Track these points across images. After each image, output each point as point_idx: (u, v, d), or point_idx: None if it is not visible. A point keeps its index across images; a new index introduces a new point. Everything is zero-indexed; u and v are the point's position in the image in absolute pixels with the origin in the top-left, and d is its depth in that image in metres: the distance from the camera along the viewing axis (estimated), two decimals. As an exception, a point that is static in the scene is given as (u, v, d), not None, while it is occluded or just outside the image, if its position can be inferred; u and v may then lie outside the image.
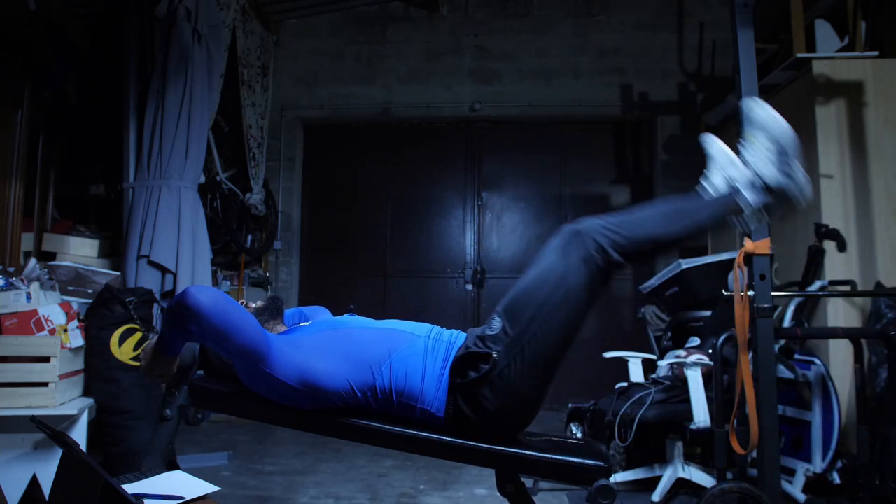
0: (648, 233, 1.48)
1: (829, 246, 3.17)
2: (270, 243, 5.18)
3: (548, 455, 1.44)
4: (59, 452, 1.65)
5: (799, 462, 2.76)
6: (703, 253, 4.36)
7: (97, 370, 2.78)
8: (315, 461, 3.39)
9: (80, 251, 3.61)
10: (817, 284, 3.10)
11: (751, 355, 2.18)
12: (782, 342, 2.85)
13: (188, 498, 1.34)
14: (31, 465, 2.38)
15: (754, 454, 2.19)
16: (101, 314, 2.82)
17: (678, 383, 2.87)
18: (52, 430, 1.35)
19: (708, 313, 3.31)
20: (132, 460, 2.68)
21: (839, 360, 2.99)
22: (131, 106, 3.60)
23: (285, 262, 5.31)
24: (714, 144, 1.67)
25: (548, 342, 1.43)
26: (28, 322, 2.54)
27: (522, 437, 1.55)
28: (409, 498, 2.80)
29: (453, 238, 5.40)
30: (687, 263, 3.44)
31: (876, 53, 3.31)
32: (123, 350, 2.77)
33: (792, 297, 3.15)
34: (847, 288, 3.08)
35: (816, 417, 2.74)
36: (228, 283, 4.83)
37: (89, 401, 2.71)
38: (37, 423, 1.40)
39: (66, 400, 2.57)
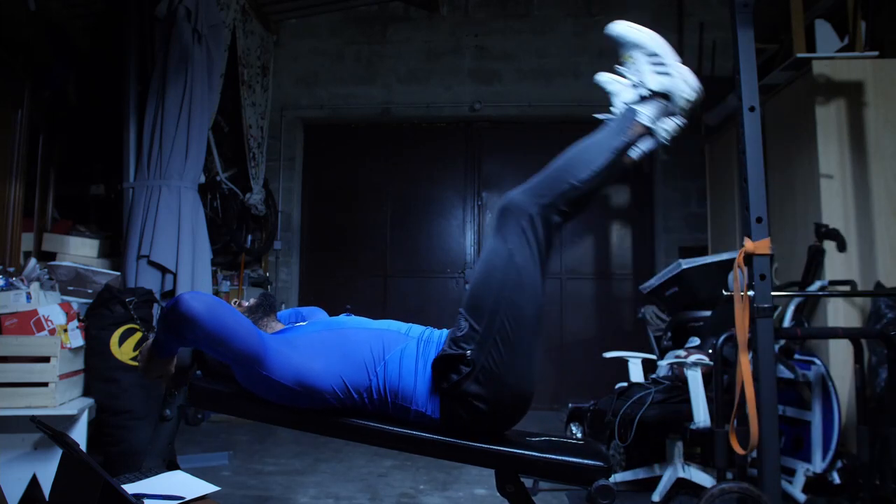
0: (571, 182, 1.46)
1: (829, 246, 3.17)
2: (270, 243, 5.18)
3: (548, 455, 1.44)
4: (59, 452, 1.65)
5: (799, 462, 2.76)
6: (704, 253, 4.37)
7: (97, 370, 2.78)
8: (315, 461, 3.39)
9: (80, 251, 3.61)
10: (817, 284, 3.10)
11: (751, 355, 2.18)
12: (782, 342, 2.85)
13: (188, 498, 1.34)
14: (31, 465, 2.38)
15: (754, 454, 2.18)
16: (101, 314, 2.82)
17: (678, 383, 2.87)
18: (52, 430, 1.35)
19: (708, 313, 3.31)
20: (132, 460, 2.68)
21: (839, 360, 2.99)
22: (131, 106, 3.59)
23: (285, 262, 5.31)
24: (604, 78, 1.68)
25: (519, 324, 1.42)
26: (28, 322, 2.54)
27: (522, 438, 1.55)
28: (409, 498, 2.80)
29: (453, 238, 5.41)
30: (687, 263, 3.45)
31: (876, 53, 3.30)
32: (123, 350, 2.77)
33: (792, 297, 3.15)
34: (847, 288, 3.08)
35: (816, 417, 2.74)
36: (228, 283, 4.82)
37: (89, 401, 2.71)
38: (37, 423, 1.40)
39: (66, 400, 2.57)
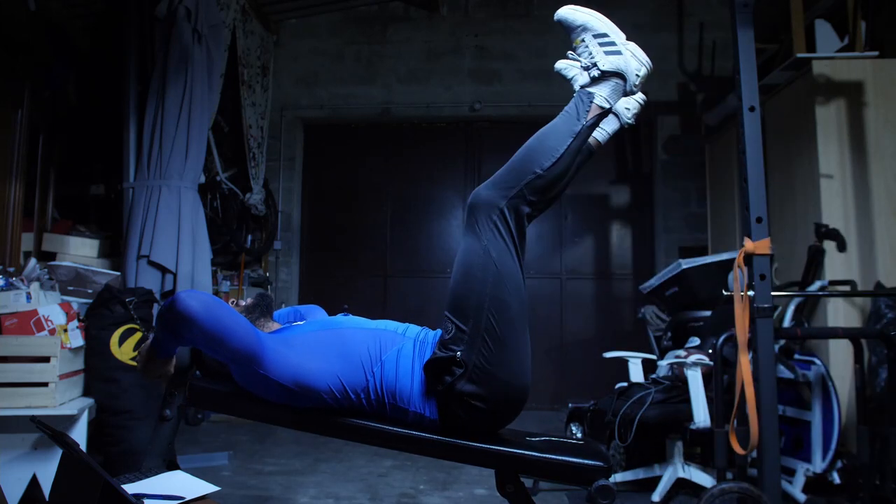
0: (535, 170, 1.46)
1: (829, 246, 3.17)
2: (270, 243, 5.18)
3: (547, 455, 1.44)
4: (59, 452, 1.65)
5: (799, 462, 2.76)
6: (704, 253, 4.37)
7: (97, 370, 2.78)
8: (315, 461, 3.39)
9: (80, 251, 3.61)
10: (817, 284, 3.10)
11: (751, 355, 2.18)
12: (782, 342, 2.86)
13: (188, 498, 1.33)
14: (31, 465, 2.38)
15: (754, 454, 2.18)
16: (101, 314, 2.82)
17: (678, 383, 2.87)
18: (52, 430, 1.35)
19: (708, 313, 3.31)
20: (132, 460, 2.68)
21: (839, 360, 2.99)
22: (131, 106, 3.59)
23: (285, 262, 5.31)
24: (561, 65, 1.69)
25: (505, 318, 1.42)
26: (28, 322, 2.54)
27: (522, 438, 1.55)
28: (409, 498, 2.80)
29: (453, 238, 5.40)
30: (687, 263, 3.45)
31: (876, 53, 3.31)
32: (123, 350, 2.77)
33: (792, 297, 3.15)
34: (847, 288, 3.09)
35: (816, 417, 2.74)
36: (228, 283, 4.82)
37: (89, 401, 2.71)
38: (37, 423, 1.40)
39: (66, 400, 2.57)
